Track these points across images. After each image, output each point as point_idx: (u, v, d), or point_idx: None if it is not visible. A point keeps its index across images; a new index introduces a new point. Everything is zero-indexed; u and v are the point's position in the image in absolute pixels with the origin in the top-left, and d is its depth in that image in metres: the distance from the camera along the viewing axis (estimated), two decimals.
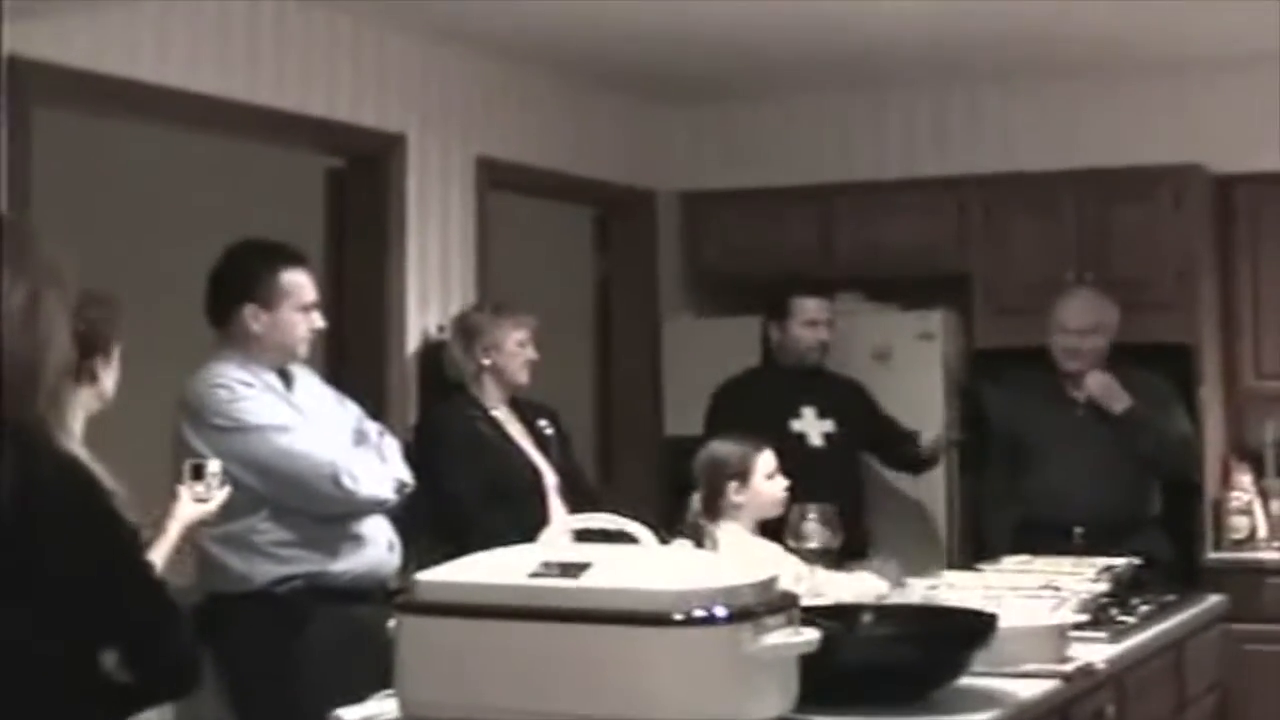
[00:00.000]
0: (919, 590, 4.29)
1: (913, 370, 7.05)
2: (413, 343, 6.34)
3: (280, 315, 4.70)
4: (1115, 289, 6.48)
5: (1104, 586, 4.48)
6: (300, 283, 4.75)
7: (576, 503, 5.29)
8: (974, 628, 3.39)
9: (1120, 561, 4.77)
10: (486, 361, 5.59)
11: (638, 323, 7.75)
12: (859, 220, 7.37)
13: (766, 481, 4.80)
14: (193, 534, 3.96)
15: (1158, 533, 6.17)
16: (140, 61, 5.28)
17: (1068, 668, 3.61)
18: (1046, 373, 6.28)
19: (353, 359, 6.25)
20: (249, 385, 4.61)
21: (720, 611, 2.77)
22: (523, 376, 5.62)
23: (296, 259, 4.80)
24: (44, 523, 2.56)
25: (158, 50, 5.35)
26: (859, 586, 4.28)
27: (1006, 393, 6.44)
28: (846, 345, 6.89)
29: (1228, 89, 7.04)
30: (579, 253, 7.95)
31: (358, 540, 4.68)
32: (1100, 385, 6.16)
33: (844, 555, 4.43)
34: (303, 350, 4.79)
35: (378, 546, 4.73)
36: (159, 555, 3.70)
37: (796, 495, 4.65)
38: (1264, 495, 7.04)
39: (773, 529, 4.67)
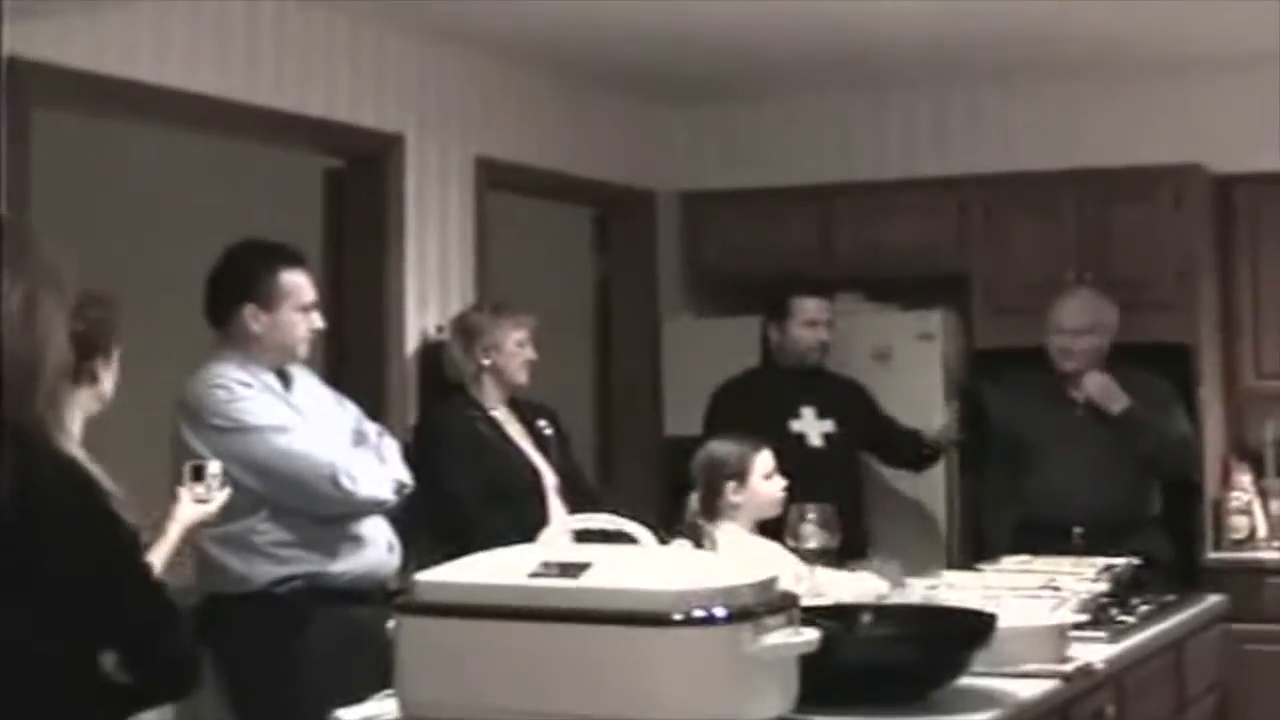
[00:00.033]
0: (919, 590, 4.29)
1: (912, 370, 7.05)
2: (412, 343, 6.34)
3: (279, 316, 4.70)
4: (1115, 289, 6.48)
5: (1104, 586, 4.48)
6: (299, 283, 4.75)
7: (576, 503, 5.29)
8: (974, 628, 3.39)
9: (1120, 561, 4.77)
10: (486, 362, 5.59)
11: (637, 323, 7.75)
12: (859, 220, 7.37)
13: (764, 481, 4.80)
14: (193, 535, 3.96)
15: (1157, 533, 6.17)
16: (139, 62, 5.28)
17: (1067, 668, 3.61)
18: (1046, 373, 6.28)
19: (352, 359, 6.24)
20: (248, 386, 4.61)
21: (720, 612, 2.77)
22: (522, 377, 5.62)
23: (295, 259, 4.80)
24: (42, 523, 2.56)
25: (157, 51, 5.35)
26: (860, 586, 4.28)
27: (1006, 393, 6.44)
28: (846, 345, 6.89)
29: (1227, 89, 7.04)
30: (578, 253, 7.95)
31: (357, 541, 4.68)
32: (1098, 386, 6.16)
33: (843, 556, 4.43)
34: (302, 351, 4.79)
35: (377, 547, 4.72)
36: (159, 556, 3.70)
37: (796, 495, 4.64)
38: (1264, 495, 7.04)
39: (772, 529, 4.67)
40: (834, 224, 7.42)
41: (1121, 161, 7.02)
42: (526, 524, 4.17)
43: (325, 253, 6.32)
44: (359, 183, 6.38)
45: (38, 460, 2.56)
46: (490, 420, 5.56)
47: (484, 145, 6.77)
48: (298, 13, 5.87)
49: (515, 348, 5.60)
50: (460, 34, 6.44)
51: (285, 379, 4.74)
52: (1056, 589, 4.31)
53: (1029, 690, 3.41)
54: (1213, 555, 6.87)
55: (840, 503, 4.46)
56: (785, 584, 3.08)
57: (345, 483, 4.57)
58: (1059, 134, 7.28)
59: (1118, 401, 6.13)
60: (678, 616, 2.75)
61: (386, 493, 4.70)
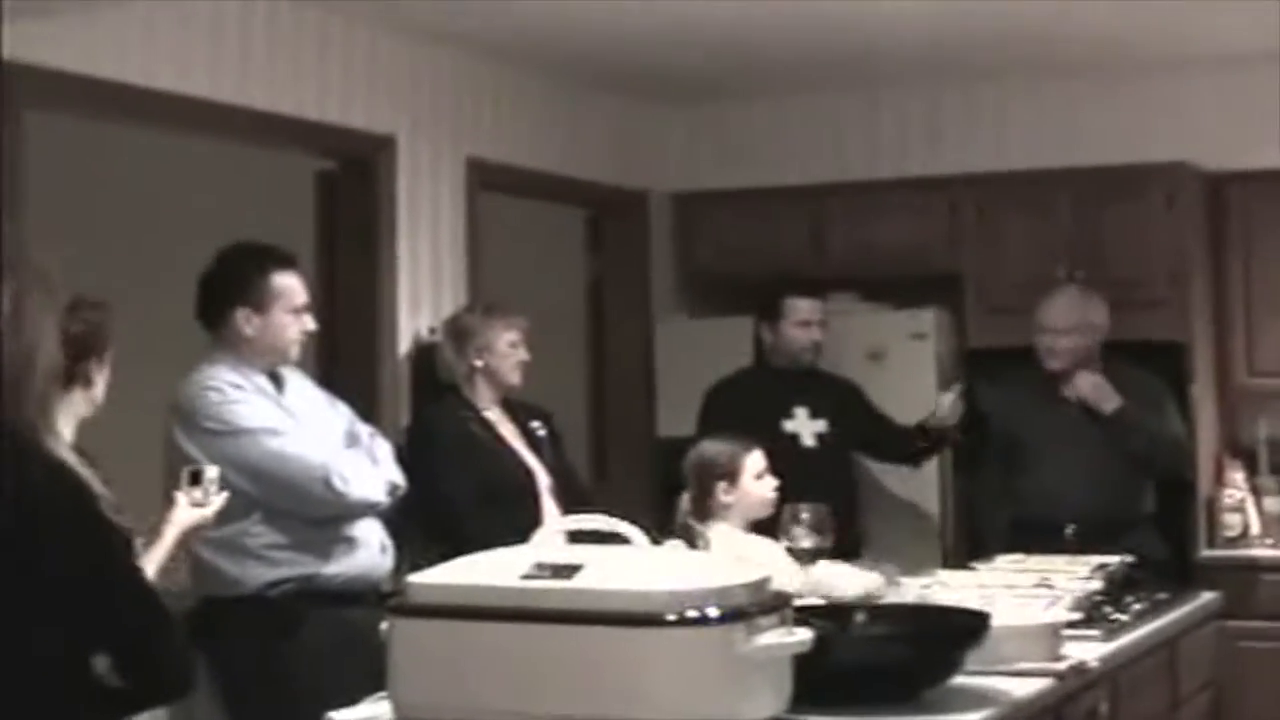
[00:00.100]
0: (913, 589, 4.28)
1: (906, 370, 7.04)
2: (404, 344, 6.33)
3: (271, 318, 4.69)
4: (1108, 287, 6.49)
5: (1097, 585, 4.48)
6: (291, 285, 4.74)
7: (569, 504, 5.28)
8: (967, 627, 3.39)
9: (1114, 560, 4.77)
10: (478, 363, 5.58)
11: (630, 323, 7.75)
12: (851, 220, 7.37)
13: (755, 482, 4.79)
14: (189, 540, 3.96)
15: (1151, 531, 6.18)
16: (131, 64, 5.27)
17: (1061, 666, 3.61)
18: (1039, 372, 6.28)
19: (344, 361, 6.24)
20: (240, 388, 4.61)
21: (713, 612, 2.77)
22: (515, 378, 5.61)
23: (287, 261, 4.79)
24: (33, 527, 2.55)
25: (148, 53, 5.34)
26: (860, 579, 4.27)
27: (1000, 392, 6.44)
28: (839, 345, 6.89)
29: (1219, 87, 7.05)
30: (571, 254, 7.95)
31: (350, 543, 4.68)
32: (1090, 386, 6.16)
33: (837, 556, 4.42)
34: (294, 353, 4.79)
35: (370, 549, 4.72)
36: (154, 560, 3.69)
37: (789, 496, 4.64)
38: (1257, 492, 7.05)
39: (765, 530, 4.66)
40: (826, 224, 7.42)
41: (1114, 160, 7.02)
42: (520, 525, 4.18)
43: (317, 254, 6.31)
44: (350, 184, 6.37)
45: (28, 464, 2.56)
46: (483, 421, 5.55)
47: (476, 146, 6.76)
48: (289, 14, 5.86)
49: (508, 349, 5.59)
50: (452, 35, 6.43)
51: (277, 381, 4.74)
52: (1050, 587, 4.31)
53: (1023, 689, 3.41)
54: (1206, 553, 6.87)
55: (834, 503, 4.46)
56: (781, 579, 3.08)
57: (338, 484, 4.57)
58: (1051, 133, 7.28)
59: (1110, 401, 6.13)
60: (671, 617, 2.75)
61: (379, 494, 4.70)
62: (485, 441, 5.51)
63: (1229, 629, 5.64)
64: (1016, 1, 6.09)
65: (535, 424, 5.65)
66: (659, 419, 7.50)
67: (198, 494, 3.95)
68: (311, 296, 4.86)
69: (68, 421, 3.49)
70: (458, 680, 2.87)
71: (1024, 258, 7.00)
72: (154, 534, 3.78)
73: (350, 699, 3.20)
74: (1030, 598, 4.16)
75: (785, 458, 5.14)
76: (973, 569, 4.82)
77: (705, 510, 4.73)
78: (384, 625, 2.96)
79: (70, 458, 2.65)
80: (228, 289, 4.70)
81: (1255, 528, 7.00)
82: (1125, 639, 4.15)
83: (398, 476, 4.79)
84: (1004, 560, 4.94)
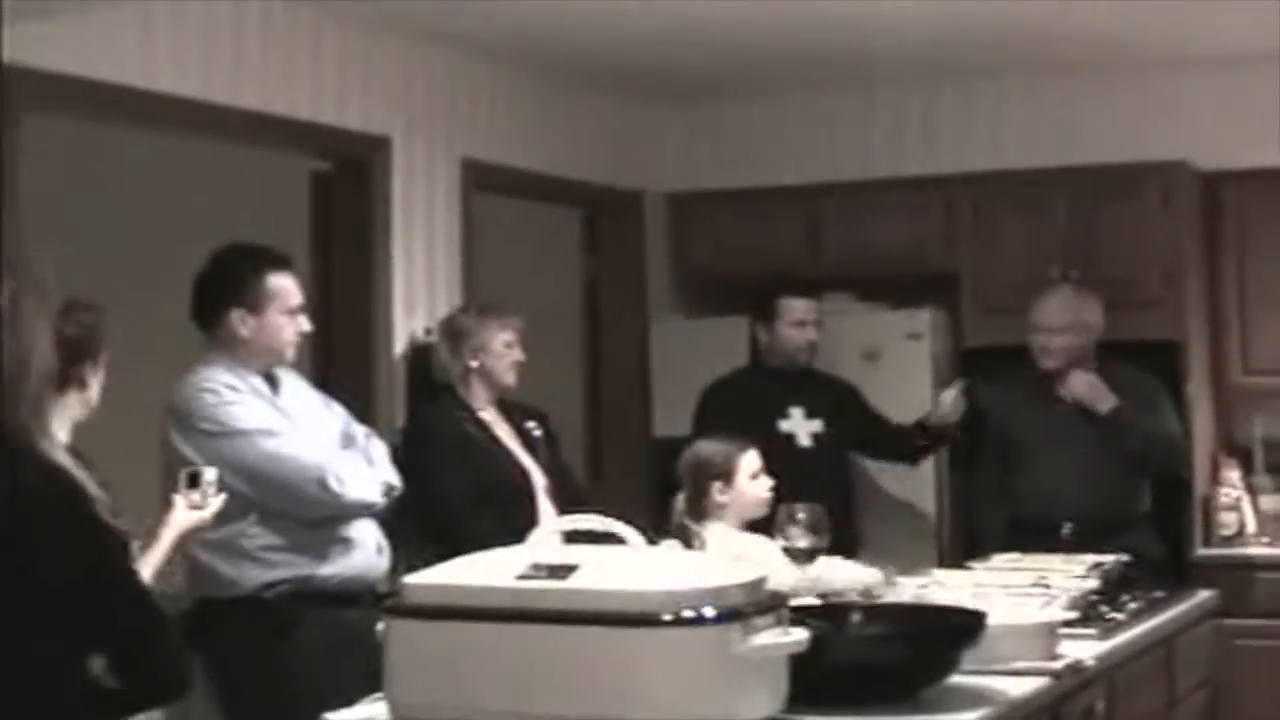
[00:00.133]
0: (909, 589, 4.28)
1: (901, 370, 7.04)
2: (399, 345, 6.33)
3: (267, 319, 4.69)
4: (1103, 286, 6.49)
5: (1094, 583, 4.48)
6: (286, 286, 4.74)
7: (565, 504, 5.28)
8: (963, 626, 3.39)
9: (1110, 558, 4.77)
10: (474, 363, 5.58)
11: (626, 324, 7.75)
12: (847, 220, 7.37)
13: (751, 482, 4.78)
14: (187, 542, 3.95)
15: (1147, 529, 6.18)
16: (125, 66, 5.27)
17: (1057, 665, 3.61)
18: (1034, 371, 6.28)
19: (339, 362, 6.24)
20: (235, 389, 4.61)
21: (709, 612, 2.77)
22: (510, 378, 5.61)
23: (282, 262, 4.79)
24: (29, 530, 2.55)
25: (143, 55, 5.34)
26: (857, 573, 4.27)
27: (996, 391, 6.45)
28: (835, 345, 6.88)
29: (1215, 87, 7.05)
30: (567, 254, 7.94)
31: (346, 544, 4.68)
32: (1085, 386, 6.17)
33: (833, 555, 4.42)
34: (290, 354, 4.79)
35: (366, 550, 4.72)
36: (152, 562, 3.69)
37: (785, 496, 4.62)
38: (1252, 491, 7.05)
39: (760, 530, 4.65)
40: (822, 224, 7.42)
41: (1109, 159, 7.02)
42: (516, 525, 4.17)
43: (312, 255, 6.31)
44: (346, 185, 6.37)
45: (23, 467, 2.56)
46: (479, 422, 5.55)
47: (470, 147, 6.76)
48: (283, 14, 5.85)
49: (503, 349, 5.59)
50: (446, 35, 6.43)
51: (273, 382, 4.74)
52: (1046, 587, 4.31)
53: (1019, 688, 3.40)
54: (1202, 551, 6.88)
55: (830, 503, 4.44)
56: (779, 575, 3.08)
57: (333, 485, 4.57)
58: (1047, 132, 7.28)
59: (1105, 401, 6.14)
60: (667, 617, 2.75)
61: (375, 495, 4.70)
62: (481, 442, 5.51)
63: (1225, 627, 5.65)
64: (1011, 1, 6.09)
65: (531, 424, 5.65)
66: (655, 419, 7.50)
67: (196, 496, 3.95)
68: (307, 297, 4.86)
69: (63, 424, 3.50)
70: (454, 681, 2.87)
71: (1020, 257, 7.00)
72: (151, 536, 3.78)
73: (347, 700, 3.20)
74: (1026, 597, 4.16)
75: (781, 458, 5.14)
76: (969, 568, 4.82)
77: (700, 510, 4.73)
78: (380, 626, 2.96)
79: (65, 460, 2.65)
80: (223, 290, 4.70)
81: (1251, 526, 7.00)
82: (1121, 638, 4.15)
83: (393, 477, 4.79)
84: (1000, 559, 4.94)
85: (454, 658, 2.88)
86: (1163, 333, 6.80)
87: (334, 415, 4.86)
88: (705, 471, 4.77)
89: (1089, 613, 4.20)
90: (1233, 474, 7.05)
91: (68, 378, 3.55)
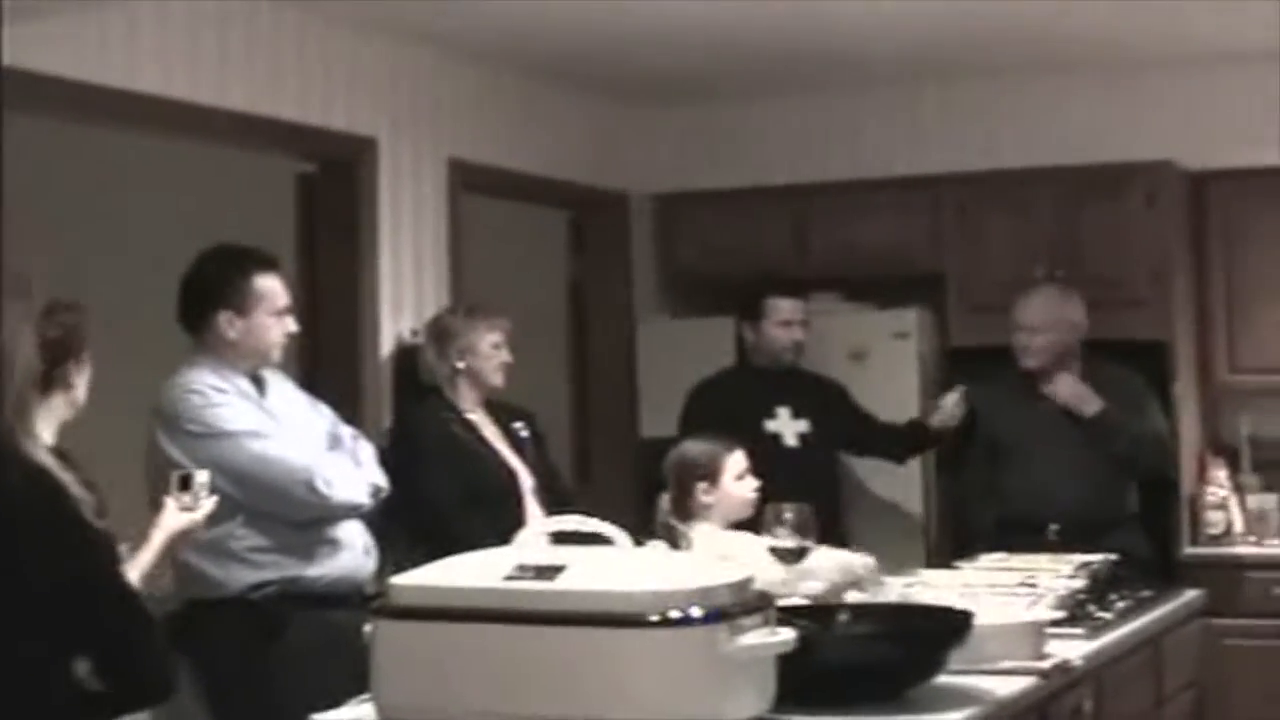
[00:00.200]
0: (896, 588, 4.28)
1: (888, 370, 7.05)
2: (386, 346, 6.32)
3: (254, 320, 4.68)
4: (1089, 286, 6.49)
5: (1081, 583, 4.48)
6: (273, 287, 4.73)
7: (552, 505, 5.28)
8: (951, 625, 3.39)
9: (1097, 558, 4.77)
10: (461, 364, 5.58)
11: (613, 324, 7.75)
12: (833, 220, 7.37)
13: (736, 482, 4.78)
14: (178, 544, 3.94)
15: (1134, 529, 6.18)
16: (110, 67, 5.26)
17: (1045, 665, 3.61)
18: (1019, 371, 6.28)
19: (326, 363, 6.23)
20: (222, 391, 4.60)
21: (696, 612, 2.77)
22: (497, 379, 5.60)
23: (269, 263, 4.78)
24: (12, 531, 2.55)
25: (128, 56, 5.32)
26: (838, 558, 4.26)
27: (983, 391, 6.44)
28: (822, 345, 6.88)
29: (1201, 87, 7.06)
30: (553, 255, 7.94)
31: (333, 545, 4.67)
32: (1069, 389, 6.17)
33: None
34: (276, 355, 4.78)
35: (353, 551, 4.71)
36: (141, 564, 3.68)
37: (772, 496, 4.61)
38: (1239, 490, 7.05)
39: (747, 530, 4.65)
40: (808, 224, 7.41)
41: (1095, 159, 7.03)
42: (503, 526, 4.17)
43: (299, 257, 6.31)
44: (332, 186, 6.36)
45: (6, 468, 2.55)
46: (466, 423, 5.55)
47: (457, 148, 6.75)
48: (268, 14, 5.85)
49: (490, 350, 5.59)
50: (432, 36, 6.43)
51: (259, 383, 4.73)
52: (1034, 586, 4.31)
53: (1007, 688, 3.41)
54: (1189, 551, 6.88)
55: (817, 502, 4.42)
56: (766, 575, 3.08)
57: (321, 487, 4.56)
58: (1032, 132, 7.28)
59: (1090, 404, 6.14)
60: (654, 617, 2.75)
61: (362, 496, 4.69)
62: (468, 443, 5.50)
63: (1213, 627, 5.65)
64: (997, 3, 6.10)
65: (518, 425, 5.65)
66: (641, 419, 7.49)
67: (187, 499, 3.94)
68: (293, 298, 4.85)
69: (48, 425, 3.49)
70: (441, 682, 2.87)
71: (1006, 257, 7.00)
72: (141, 538, 3.77)
73: (334, 701, 3.20)
74: (1014, 596, 4.16)
75: (768, 458, 5.13)
76: (956, 568, 4.82)
77: (685, 511, 4.72)
78: (367, 627, 2.96)
79: (49, 461, 2.64)
80: (209, 292, 4.69)
81: (1238, 525, 7.00)
82: (1109, 637, 4.15)
83: (380, 479, 4.78)
84: (988, 559, 4.94)
85: (441, 659, 2.88)
86: (1149, 332, 6.81)
87: (321, 416, 4.85)
88: (690, 472, 4.77)
89: (1076, 612, 4.20)
90: (1220, 473, 7.05)
91: (52, 379, 3.54)
